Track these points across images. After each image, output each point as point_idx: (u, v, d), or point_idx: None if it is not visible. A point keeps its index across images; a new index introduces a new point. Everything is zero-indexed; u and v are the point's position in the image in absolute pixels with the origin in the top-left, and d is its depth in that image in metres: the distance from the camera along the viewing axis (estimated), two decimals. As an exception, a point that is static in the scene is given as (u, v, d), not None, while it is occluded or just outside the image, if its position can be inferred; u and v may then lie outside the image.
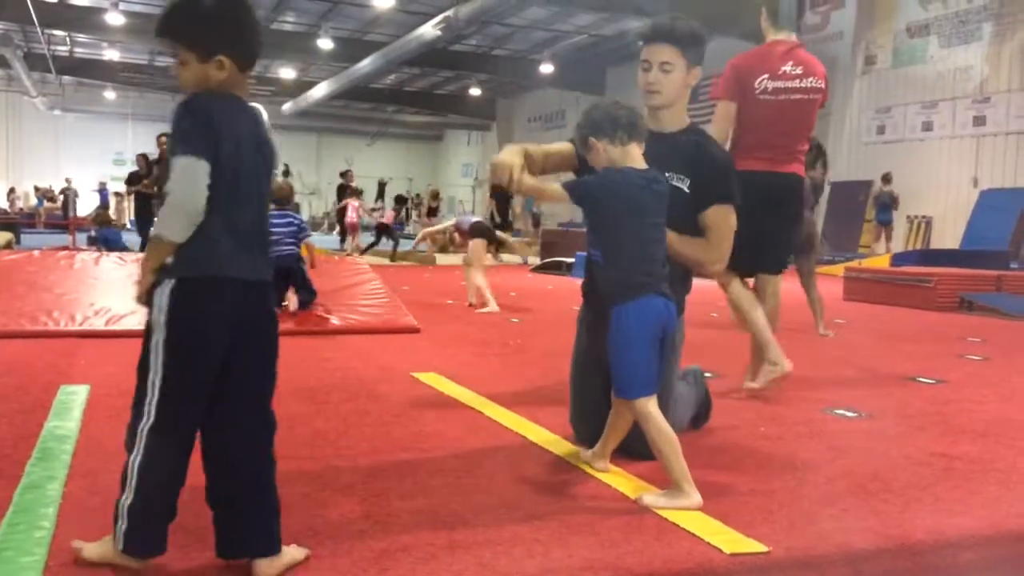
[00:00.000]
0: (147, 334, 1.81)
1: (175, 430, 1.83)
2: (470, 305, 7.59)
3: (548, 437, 3.09)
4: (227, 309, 1.81)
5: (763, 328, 3.95)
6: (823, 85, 4.05)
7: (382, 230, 16.04)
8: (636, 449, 2.76)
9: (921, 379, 4.38)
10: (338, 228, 18.48)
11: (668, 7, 18.54)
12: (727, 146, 3.91)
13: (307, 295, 6.06)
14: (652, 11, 18.82)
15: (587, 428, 2.96)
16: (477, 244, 7.75)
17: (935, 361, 4.97)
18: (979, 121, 15.78)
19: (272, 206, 6.00)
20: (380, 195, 31.66)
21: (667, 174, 2.72)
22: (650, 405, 2.47)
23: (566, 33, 24.63)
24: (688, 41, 2.91)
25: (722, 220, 2.95)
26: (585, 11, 21.34)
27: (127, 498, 1.80)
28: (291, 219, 6.17)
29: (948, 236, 15.74)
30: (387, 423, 3.29)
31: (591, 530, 2.19)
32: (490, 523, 2.22)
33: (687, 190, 2.88)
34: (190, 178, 1.74)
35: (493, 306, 7.35)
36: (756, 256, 3.90)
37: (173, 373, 1.79)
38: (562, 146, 3.07)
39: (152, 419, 1.79)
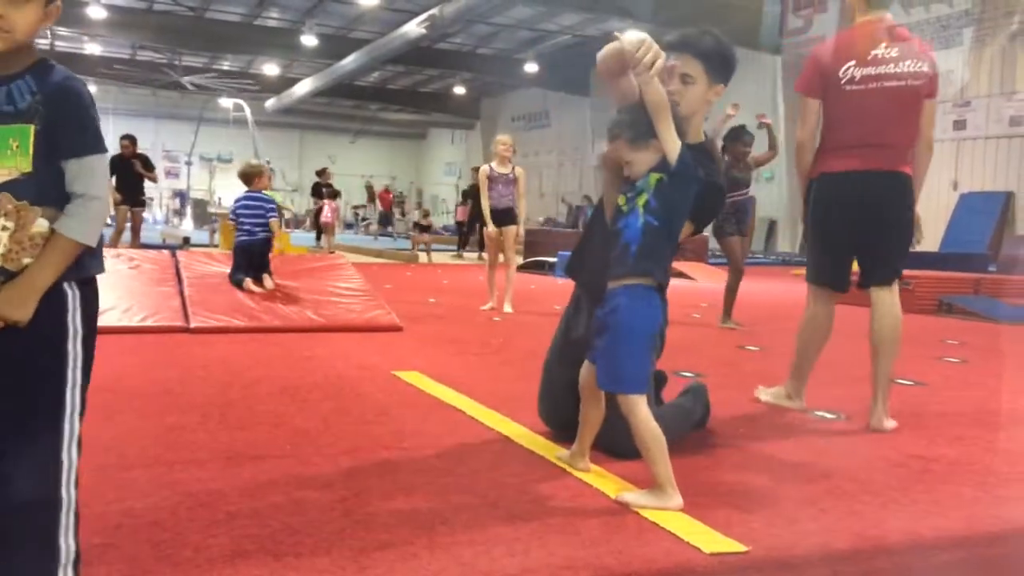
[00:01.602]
0: (43, 343, 1.58)
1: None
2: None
3: (529, 436, 3.09)
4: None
5: (804, 360, 3.73)
6: (927, 69, 3.47)
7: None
8: (619, 449, 2.78)
9: (900, 381, 4.40)
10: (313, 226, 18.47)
11: (653, 8, 18.65)
12: (814, 145, 3.61)
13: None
14: (637, 12, 18.91)
15: (554, 410, 3.07)
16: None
17: (914, 363, 5.00)
18: (959, 125, 15.92)
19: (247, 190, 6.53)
20: (371, 198, 31.62)
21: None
22: (641, 402, 2.46)
23: (551, 33, 24.66)
24: (714, 56, 2.79)
25: None
26: (570, 11, 21.40)
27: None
28: (260, 203, 6.51)
29: (927, 239, 15.87)
30: (368, 422, 3.28)
31: (571, 529, 2.20)
32: (470, 522, 2.22)
33: None
34: (106, 177, 1.63)
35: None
36: (862, 267, 3.62)
37: (87, 378, 1.65)
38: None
39: (77, 433, 1.63)
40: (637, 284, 2.50)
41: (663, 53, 2.49)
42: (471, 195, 16.90)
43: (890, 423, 3.41)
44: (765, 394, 3.87)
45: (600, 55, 2.70)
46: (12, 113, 1.51)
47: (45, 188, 1.54)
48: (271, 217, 6.56)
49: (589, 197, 25.01)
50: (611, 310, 2.51)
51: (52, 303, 1.57)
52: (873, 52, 3.46)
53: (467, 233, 17.65)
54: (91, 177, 1.57)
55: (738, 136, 6.93)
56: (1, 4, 1.50)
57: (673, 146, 2.45)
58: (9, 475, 1.55)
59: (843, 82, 3.49)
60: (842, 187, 3.52)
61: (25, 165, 1.52)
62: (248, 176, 6.72)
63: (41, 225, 1.53)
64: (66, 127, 1.54)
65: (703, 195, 2.76)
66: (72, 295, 1.60)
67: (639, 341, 2.48)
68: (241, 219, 6.55)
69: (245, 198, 6.60)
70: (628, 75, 2.60)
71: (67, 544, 1.59)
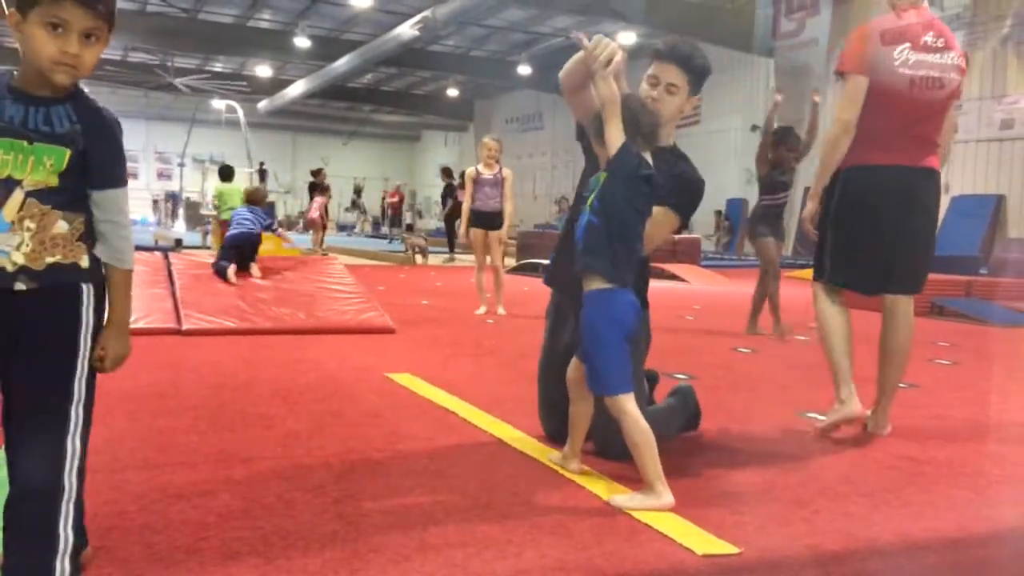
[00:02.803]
0: (58, 333, 1.68)
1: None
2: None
3: (521, 438, 3.09)
4: None
5: (841, 357, 3.39)
6: (963, 63, 3.33)
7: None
8: (614, 452, 2.79)
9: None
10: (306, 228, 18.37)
11: (645, 11, 18.69)
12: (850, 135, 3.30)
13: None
14: (629, 15, 18.95)
15: (555, 420, 3.02)
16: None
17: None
18: (951, 128, 15.96)
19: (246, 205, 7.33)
20: (358, 197, 31.52)
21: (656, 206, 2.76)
22: (629, 401, 2.48)
23: (544, 35, 24.68)
24: (699, 71, 2.94)
25: (655, 216, 2.80)
26: (563, 14, 21.42)
27: (70, 544, 1.65)
28: (258, 214, 7.19)
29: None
30: (360, 423, 3.28)
31: (563, 531, 2.20)
32: (462, 524, 2.22)
33: None
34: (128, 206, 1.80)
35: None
36: (888, 269, 3.35)
37: (93, 371, 1.75)
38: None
39: (83, 423, 1.70)
40: (600, 289, 2.52)
41: (619, 52, 2.56)
42: (448, 196, 16.74)
43: (886, 431, 3.37)
44: (822, 422, 3.38)
45: (564, 69, 2.81)
46: (50, 135, 1.66)
47: (68, 198, 1.69)
48: (268, 225, 7.21)
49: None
50: (582, 319, 2.56)
51: (70, 297, 1.69)
52: (924, 39, 3.25)
53: (448, 235, 17.39)
54: (123, 207, 1.75)
55: (784, 138, 6.65)
56: (78, 44, 1.63)
57: (613, 141, 2.52)
58: (15, 461, 1.63)
59: (897, 64, 3.22)
60: (883, 182, 3.29)
61: (53, 181, 1.67)
62: (254, 199, 7.59)
63: (61, 227, 1.67)
64: (103, 159, 1.71)
65: (680, 189, 2.86)
66: (87, 291, 1.72)
67: (612, 345, 2.50)
68: (237, 219, 7.01)
69: (247, 209, 7.23)
70: (589, 88, 2.69)
71: (66, 534, 1.64)
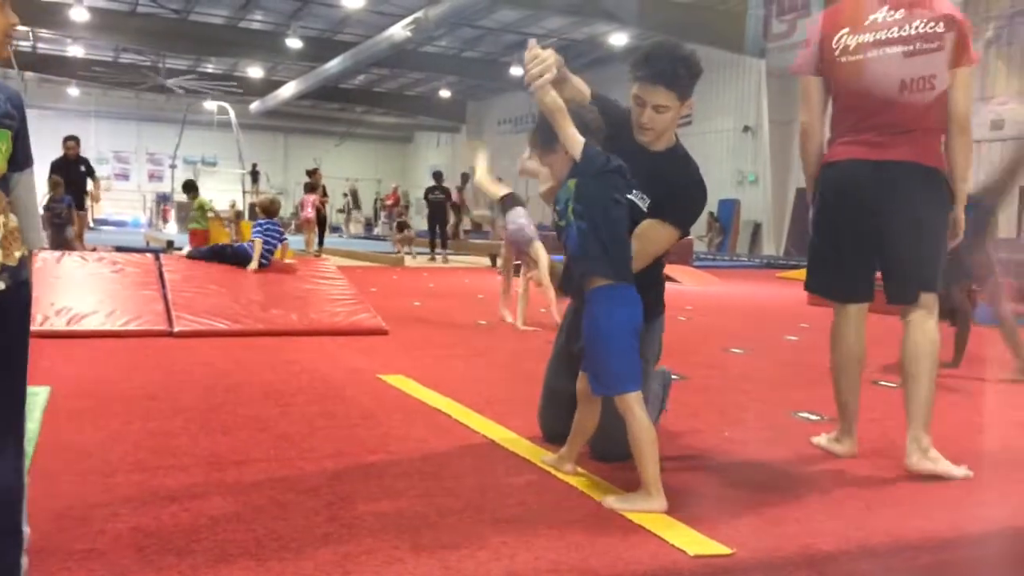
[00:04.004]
0: (13, 340, 1.69)
1: None
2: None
3: (514, 439, 3.09)
4: None
5: (840, 390, 3.13)
6: (941, 29, 2.85)
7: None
8: (608, 454, 2.80)
9: (883, 383, 4.43)
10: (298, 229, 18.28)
11: (637, 12, 18.70)
12: (821, 133, 3.12)
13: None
14: (622, 16, 18.96)
15: (553, 410, 3.02)
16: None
17: (897, 365, 5.03)
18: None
19: (264, 216, 7.49)
20: (354, 199, 31.47)
21: (634, 190, 2.76)
22: (636, 400, 2.46)
23: (536, 36, 24.68)
24: (685, 80, 2.79)
25: (646, 230, 2.80)
26: (555, 15, 21.43)
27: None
28: (278, 228, 7.30)
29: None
30: (353, 425, 3.27)
31: (557, 533, 2.20)
32: (455, 526, 2.22)
33: (645, 209, 2.83)
34: None
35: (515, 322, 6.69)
36: (855, 274, 3.05)
37: None
38: (583, 87, 2.96)
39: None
40: (603, 286, 2.51)
41: (554, 66, 2.58)
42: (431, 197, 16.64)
43: (936, 465, 2.82)
44: (817, 439, 3.23)
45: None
46: None
47: (6, 187, 1.64)
48: (283, 240, 7.28)
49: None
50: (585, 318, 2.54)
51: (20, 303, 1.66)
52: (872, 16, 2.94)
53: (431, 235, 17.15)
54: (33, 188, 1.72)
55: None
56: (13, 14, 1.61)
57: (574, 143, 2.51)
58: None
59: (836, 53, 2.98)
60: (842, 180, 2.98)
61: (3, 167, 1.61)
62: (270, 211, 7.66)
63: (13, 220, 1.62)
64: (25, 138, 1.66)
65: (675, 199, 2.82)
66: (30, 295, 1.70)
67: (618, 340, 2.48)
68: (267, 240, 7.09)
69: (268, 223, 7.26)
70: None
71: (26, 529, 1.69)
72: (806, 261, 3.34)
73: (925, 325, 2.94)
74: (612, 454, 2.79)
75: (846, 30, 2.97)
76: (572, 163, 2.54)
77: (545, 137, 2.59)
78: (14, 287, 1.62)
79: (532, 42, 2.65)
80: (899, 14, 2.90)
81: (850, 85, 2.97)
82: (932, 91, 2.87)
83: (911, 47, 2.87)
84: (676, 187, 2.86)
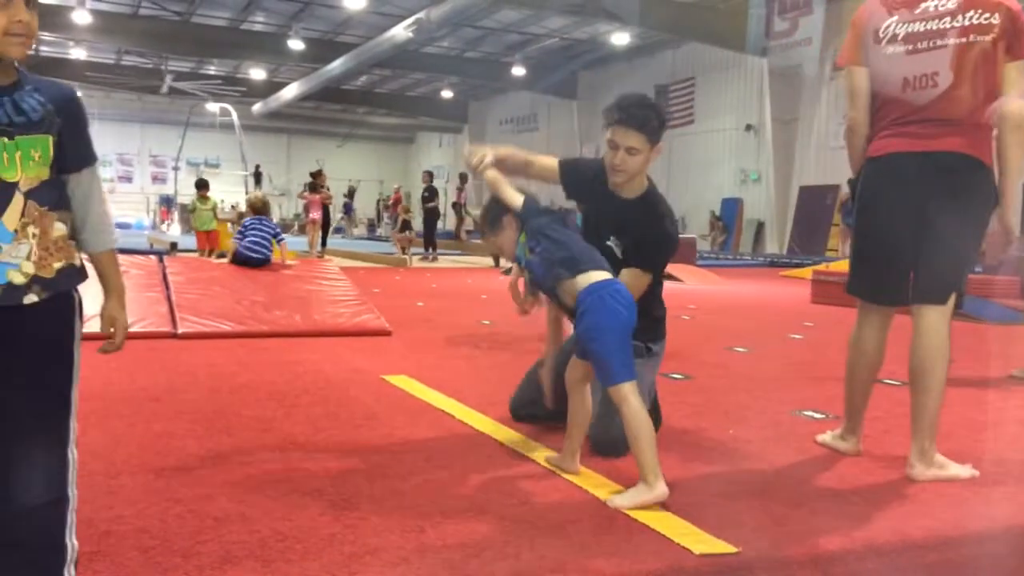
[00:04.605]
0: (54, 346, 1.64)
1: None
2: None
3: (518, 439, 3.09)
4: None
5: (849, 390, 3.08)
6: (996, 20, 2.71)
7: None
8: (608, 448, 2.85)
9: (887, 381, 4.42)
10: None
11: (639, 11, 18.68)
12: (866, 127, 2.96)
13: None
14: (623, 15, 18.95)
15: (528, 393, 3.27)
16: None
17: (902, 364, 5.00)
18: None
19: (251, 214, 7.56)
20: (351, 200, 31.44)
21: (610, 236, 3.04)
22: (632, 390, 2.51)
23: (538, 36, 24.69)
24: (655, 127, 2.96)
25: (629, 280, 2.89)
26: (557, 14, 21.42)
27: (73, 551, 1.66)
28: (268, 225, 7.21)
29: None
30: (357, 426, 3.27)
31: (561, 532, 2.19)
32: (460, 526, 2.22)
33: (620, 255, 3.03)
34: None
35: None
36: (896, 275, 2.90)
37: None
38: (548, 160, 3.24)
39: (74, 432, 1.68)
40: (590, 285, 2.60)
41: (489, 153, 3.00)
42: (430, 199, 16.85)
43: (943, 471, 2.79)
44: (822, 437, 3.21)
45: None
46: (28, 124, 1.56)
47: (61, 195, 1.62)
48: (279, 239, 7.25)
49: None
50: (578, 319, 2.62)
51: (62, 308, 1.64)
52: (923, 5, 2.81)
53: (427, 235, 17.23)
54: (98, 186, 1.68)
55: None
56: (23, 11, 1.55)
57: (514, 200, 2.85)
58: (21, 476, 1.58)
59: (883, 42, 2.85)
60: (887, 174, 2.85)
61: (45, 174, 1.59)
62: (259, 209, 7.72)
63: (60, 229, 1.60)
64: (77, 139, 1.63)
65: (646, 245, 3.02)
66: (77, 300, 1.68)
67: (609, 335, 2.55)
68: (249, 232, 7.00)
69: (256, 220, 7.24)
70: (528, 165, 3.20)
71: (71, 542, 1.64)
72: (812, 258, 3.34)
73: (941, 330, 2.80)
74: (612, 448, 2.85)
75: (894, 19, 2.85)
76: (517, 224, 2.86)
77: (491, 218, 2.93)
78: (51, 299, 1.60)
79: (466, 147, 3.15)
80: (952, 3, 2.77)
81: (895, 78, 2.83)
82: (984, 85, 2.74)
83: (964, 39, 2.73)
84: (643, 238, 3.04)
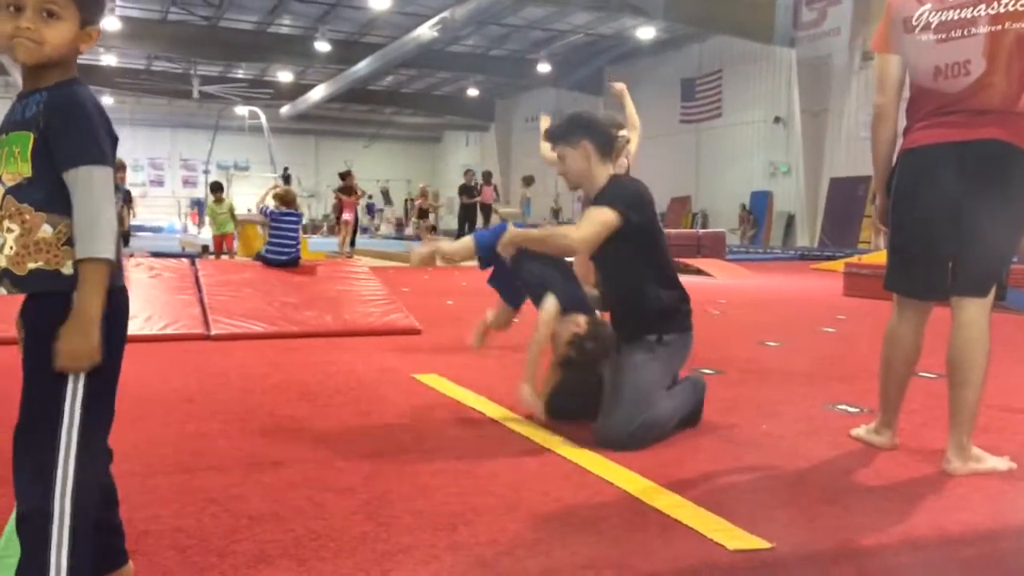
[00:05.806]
0: (44, 353, 1.54)
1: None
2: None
3: (549, 437, 3.09)
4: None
5: (885, 383, 3.04)
6: None
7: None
8: (608, 443, 2.95)
9: (923, 374, 4.36)
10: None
11: (664, 5, 18.58)
12: (896, 114, 2.93)
13: None
14: (648, 9, 18.86)
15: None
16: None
17: (936, 357, 4.92)
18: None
19: (281, 208, 7.72)
20: (386, 200, 31.64)
21: None
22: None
23: (563, 32, 24.65)
24: (564, 131, 3.32)
25: (587, 213, 3.24)
26: (582, 10, 21.36)
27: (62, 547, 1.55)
28: (296, 216, 7.62)
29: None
30: (388, 425, 3.29)
31: (593, 528, 2.19)
32: (492, 523, 2.22)
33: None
34: (107, 186, 1.59)
35: None
36: (938, 269, 2.85)
37: (106, 386, 1.64)
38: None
39: (77, 445, 1.58)
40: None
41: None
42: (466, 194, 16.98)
43: (981, 464, 2.76)
44: (856, 431, 3.17)
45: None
46: (19, 121, 1.57)
47: (52, 196, 1.55)
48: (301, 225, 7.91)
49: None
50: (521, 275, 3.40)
51: (55, 311, 1.55)
52: None
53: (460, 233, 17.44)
54: (88, 188, 1.54)
55: None
56: (31, 19, 1.55)
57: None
58: (13, 479, 1.57)
59: (917, 30, 2.79)
60: (924, 166, 2.78)
61: (26, 170, 1.55)
62: (287, 200, 8.00)
63: (46, 231, 1.55)
64: (59, 137, 1.55)
65: (613, 193, 3.22)
66: (65, 306, 1.56)
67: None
68: (280, 225, 7.27)
69: (286, 212, 7.57)
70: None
71: (58, 561, 1.52)
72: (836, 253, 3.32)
73: (982, 323, 2.76)
74: (613, 442, 2.92)
75: (928, 6, 2.78)
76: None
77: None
78: (39, 299, 1.56)
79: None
80: None
81: (930, 66, 2.77)
82: (1020, 72, 2.65)
83: (999, 27, 2.65)
84: (611, 187, 3.28)
